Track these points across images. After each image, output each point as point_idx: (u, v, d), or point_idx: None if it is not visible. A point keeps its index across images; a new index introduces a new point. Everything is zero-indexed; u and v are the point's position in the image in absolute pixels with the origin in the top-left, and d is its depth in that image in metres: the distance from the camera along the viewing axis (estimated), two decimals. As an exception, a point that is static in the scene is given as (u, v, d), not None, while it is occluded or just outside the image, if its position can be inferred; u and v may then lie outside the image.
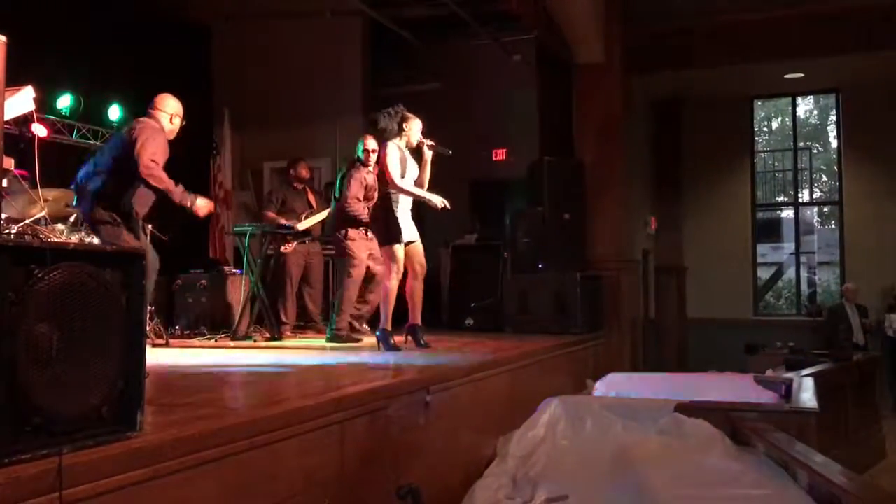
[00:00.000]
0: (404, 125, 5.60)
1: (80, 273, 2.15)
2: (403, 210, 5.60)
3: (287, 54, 9.60)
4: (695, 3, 9.48)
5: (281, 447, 2.77)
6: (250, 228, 6.79)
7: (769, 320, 12.75)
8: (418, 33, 9.26)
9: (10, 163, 4.59)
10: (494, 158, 9.50)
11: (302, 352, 5.69)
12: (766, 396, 5.67)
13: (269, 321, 6.73)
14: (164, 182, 4.48)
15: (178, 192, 4.57)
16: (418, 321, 5.74)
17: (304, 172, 7.41)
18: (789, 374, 6.21)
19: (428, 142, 5.65)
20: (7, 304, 1.95)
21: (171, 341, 6.28)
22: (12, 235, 4.37)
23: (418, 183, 5.68)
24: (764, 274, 15.79)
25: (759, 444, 4.18)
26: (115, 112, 7.72)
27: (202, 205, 4.71)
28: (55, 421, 2.03)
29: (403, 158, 5.57)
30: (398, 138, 5.60)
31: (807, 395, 5.09)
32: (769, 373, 6.90)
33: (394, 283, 5.53)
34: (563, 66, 9.21)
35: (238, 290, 7.14)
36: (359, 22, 9.46)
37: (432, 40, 9.40)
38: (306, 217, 7.14)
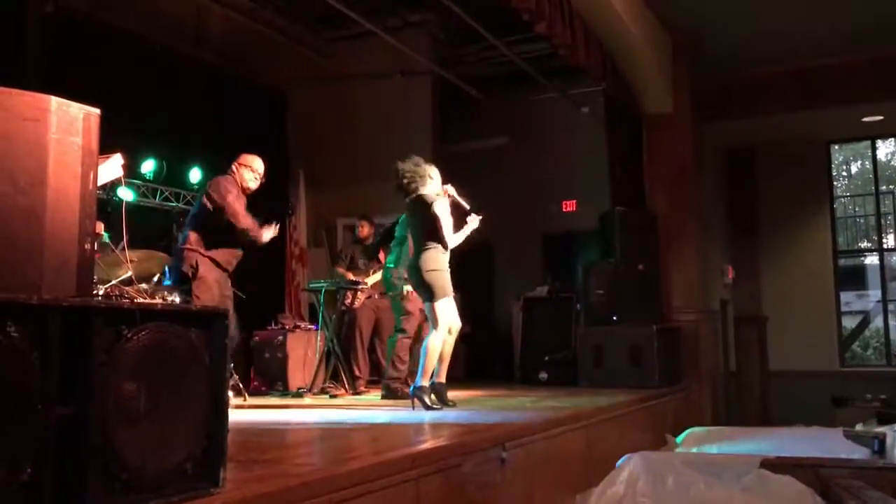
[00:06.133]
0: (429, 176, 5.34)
1: (167, 332, 2.22)
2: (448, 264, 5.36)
3: (359, 115, 9.87)
4: (765, 50, 9.36)
5: (358, 504, 2.78)
6: (324, 284, 6.93)
7: (857, 371, 12.19)
8: (486, 89, 9.41)
9: (100, 227, 4.83)
10: (565, 210, 9.49)
11: (376, 407, 5.72)
12: (857, 452, 5.44)
13: (344, 376, 6.81)
14: (247, 220, 5.33)
15: (256, 228, 5.41)
16: (443, 379, 5.39)
17: (361, 231, 7.63)
18: (882, 429, 5.96)
19: (450, 188, 5.45)
20: (98, 364, 2.02)
21: (249, 397, 6.38)
22: (100, 296, 4.57)
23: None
24: (849, 323, 15.17)
25: (851, 502, 3.99)
26: (195, 175, 8.03)
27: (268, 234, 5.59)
28: (142, 477, 2.07)
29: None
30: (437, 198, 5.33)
31: (902, 450, 4.86)
32: (860, 427, 6.64)
33: (439, 342, 5.23)
34: (631, 117, 9.21)
35: (314, 346, 7.26)
36: (428, 80, 9.68)
37: (500, 95, 9.53)
38: (373, 272, 7.25)
